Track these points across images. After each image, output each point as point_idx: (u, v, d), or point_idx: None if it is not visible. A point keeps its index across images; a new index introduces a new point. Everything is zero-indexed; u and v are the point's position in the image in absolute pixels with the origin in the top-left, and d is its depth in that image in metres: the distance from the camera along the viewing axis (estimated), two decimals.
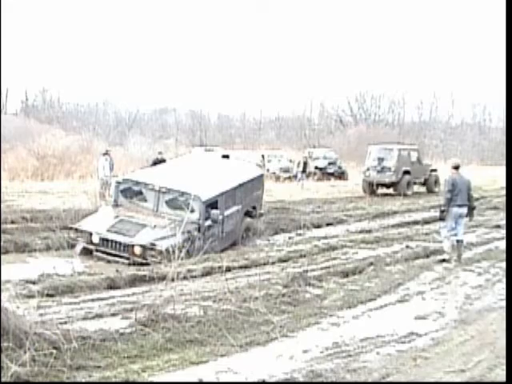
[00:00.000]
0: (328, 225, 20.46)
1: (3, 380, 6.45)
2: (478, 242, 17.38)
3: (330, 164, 41.56)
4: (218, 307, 9.60)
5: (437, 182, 32.79)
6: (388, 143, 36.27)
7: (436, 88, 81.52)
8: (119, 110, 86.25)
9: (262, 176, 19.75)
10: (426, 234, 18.45)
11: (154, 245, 14.15)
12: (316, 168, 41.20)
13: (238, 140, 78.33)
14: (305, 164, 37.14)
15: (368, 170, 31.63)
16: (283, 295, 10.72)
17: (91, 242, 14.72)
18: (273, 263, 13.64)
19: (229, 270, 12.41)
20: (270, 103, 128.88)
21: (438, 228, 15.61)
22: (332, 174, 40.83)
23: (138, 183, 16.13)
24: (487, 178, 38.82)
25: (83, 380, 6.87)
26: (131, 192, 16.22)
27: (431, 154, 61.03)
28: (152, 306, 8.97)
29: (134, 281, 11.67)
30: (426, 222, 20.94)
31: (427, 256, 15.26)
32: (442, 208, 14.39)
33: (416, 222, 21.06)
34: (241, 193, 17.47)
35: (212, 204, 15.76)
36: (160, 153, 27.81)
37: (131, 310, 9.29)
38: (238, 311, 9.46)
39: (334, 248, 15.77)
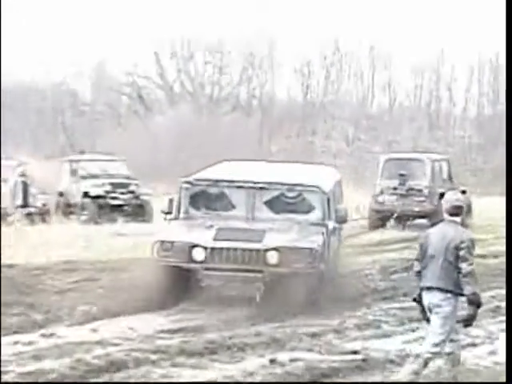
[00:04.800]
0: None
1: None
2: None
3: (115, 187, 26.21)
4: None
5: (470, 209, 22.70)
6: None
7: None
8: None
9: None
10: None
11: (296, 247, 11.78)
12: (86, 196, 25.68)
13: None
14: (25, 189, 24.85)
15: (382, 193, 23.58)
16: None
17: (191, 260, 11.73)
18: None
19: None
20: None
21: None
22: (120, 208, 25.97)
23: (217, 182, 12.79)
24: None
25: None
26: (205, 197, 12.91)
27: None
28: None
29: None
30: None
31: None
32: None
33: None
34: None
35: (330, 199, 12.95)
36: None
37: None
38: None
39: None
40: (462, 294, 7.43)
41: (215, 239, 11.76)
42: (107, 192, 25.13)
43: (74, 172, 25.75)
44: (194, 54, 45.44)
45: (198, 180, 12.91)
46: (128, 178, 26.25)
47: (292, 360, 8.51)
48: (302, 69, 47.34)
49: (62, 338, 10.10)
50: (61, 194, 25.49)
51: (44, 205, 24.11)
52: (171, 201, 12.78)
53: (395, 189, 22.80)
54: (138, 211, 25.01)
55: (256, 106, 46.44)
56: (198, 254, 11.70)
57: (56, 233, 20.22)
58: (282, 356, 8.66)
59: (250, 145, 35.86)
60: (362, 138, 44.37)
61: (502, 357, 9.74)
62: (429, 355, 7.51)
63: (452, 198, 7.81)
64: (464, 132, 47.80)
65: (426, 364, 7.66)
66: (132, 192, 25.45)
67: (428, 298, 7.72)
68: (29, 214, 22.64)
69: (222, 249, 11.66)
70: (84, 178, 25.54)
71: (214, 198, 12.90)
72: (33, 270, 15.29)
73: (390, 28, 55.41)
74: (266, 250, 11.62)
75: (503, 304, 12.62)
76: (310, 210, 12.61)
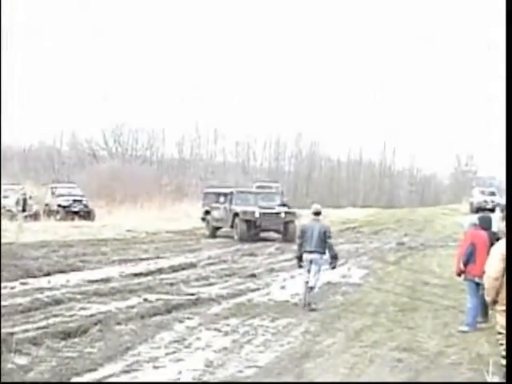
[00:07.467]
0: (60, 272, 17.31)
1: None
2: (228, 294, 15.36)
3: (74, 202, 38.68)
4: None
5: (296, 216, 30.54)
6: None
7: (199, 123, 79.11)
8: None
9: None
10: (171, 284, 16.14)
11: (291, 212, 30.41)
12: (59, 206, 38.29)
13: None
14: (24, 201, 36.28)
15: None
16: None
17: (254, 217, 28.13)
18: None
19: None
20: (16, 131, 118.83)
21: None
22: (77, 213, 37.78)
23: (243, 192, 31.23)
24: None
25: None
26: (238, 197, 29.47)
27: (191, 194, 56.47)
28: None
29: None
30: (175, 269, 18.73)
31: (168, 312, 12.85)
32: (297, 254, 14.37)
33: (161, 270, 18.44)
34: None
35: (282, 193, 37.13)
36: None
37: None
38: None
39: (58, 302, 13.07)
40: (324, 253, 13.87)
41: (260, 209, 28.44)
42: (70, 204, 38.34)
43: (53, 192, 39.73)
44: (122, 133, 74.25)
45: (242, 191, 31.17)
46: (82, 196, 39.72)
47: None
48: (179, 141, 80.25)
49: None
50: (46, 205, 39.08)
51: (36, 210, 37.08)
52: (224, 200, 29.47)
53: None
54: (87, 215, 37.94)
55: (155, 160, 75.77)
56: (258, 214, 28.14)
57: (43, 225, 31.44)
58: None
59: (149, 183, 55.35)
60: (210, 178, 70.83)
61: None
62: (312, 285, 13.85)
63: (316, 207, 14.35)
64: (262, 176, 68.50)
65: (310, 290, 13.86)
66: (84, 205, 38.82)
67: (310, 257, 13.81)
68: (26, 216, 32.99)
69: (265, 213, 28.38)
70: (58, 195, 39.21)
71: (241, 198, 29.64)
72: (17, 247, 21.48)
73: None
74: (280, 212, 28.92)
75: None
76: (275, 199, 31.48)
